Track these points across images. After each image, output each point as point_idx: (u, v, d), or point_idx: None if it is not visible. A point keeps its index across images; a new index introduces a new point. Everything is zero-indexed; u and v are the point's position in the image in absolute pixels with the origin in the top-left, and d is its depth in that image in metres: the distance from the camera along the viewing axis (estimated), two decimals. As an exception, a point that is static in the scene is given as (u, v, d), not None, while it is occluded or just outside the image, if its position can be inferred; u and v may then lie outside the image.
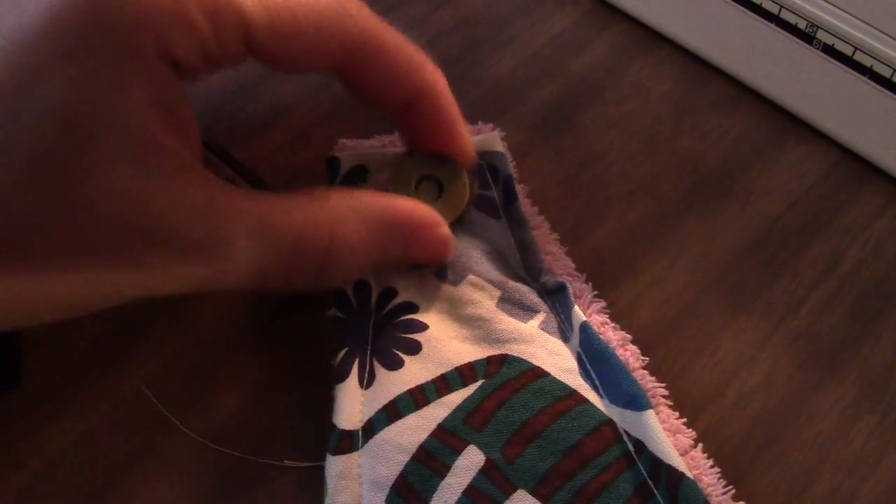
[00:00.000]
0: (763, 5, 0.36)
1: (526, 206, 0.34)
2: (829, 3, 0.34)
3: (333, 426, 0.29)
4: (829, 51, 0.35)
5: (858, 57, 0.34)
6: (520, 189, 0.35)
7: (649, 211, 0.36)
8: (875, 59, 0.34)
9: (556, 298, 0.32)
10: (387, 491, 0.27)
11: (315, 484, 0.29)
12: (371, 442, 0.28)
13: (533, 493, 0.27)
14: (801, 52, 0.36)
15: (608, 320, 0.31)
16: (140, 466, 0.30)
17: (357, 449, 0.29)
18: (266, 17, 0.26)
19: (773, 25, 0.37)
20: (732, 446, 0.30)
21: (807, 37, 0.36)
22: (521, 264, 0.33)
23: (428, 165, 0.33)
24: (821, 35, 0.35)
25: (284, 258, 0.26)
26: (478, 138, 0.36)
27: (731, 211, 0.36)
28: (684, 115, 0.39)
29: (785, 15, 0.36)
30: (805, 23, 0.35)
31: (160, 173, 0.24)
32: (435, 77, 0.30)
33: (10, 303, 0.23)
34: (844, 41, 0.35)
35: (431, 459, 0.28)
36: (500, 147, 0.36)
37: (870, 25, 0.34)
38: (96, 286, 0.24)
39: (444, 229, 0.30)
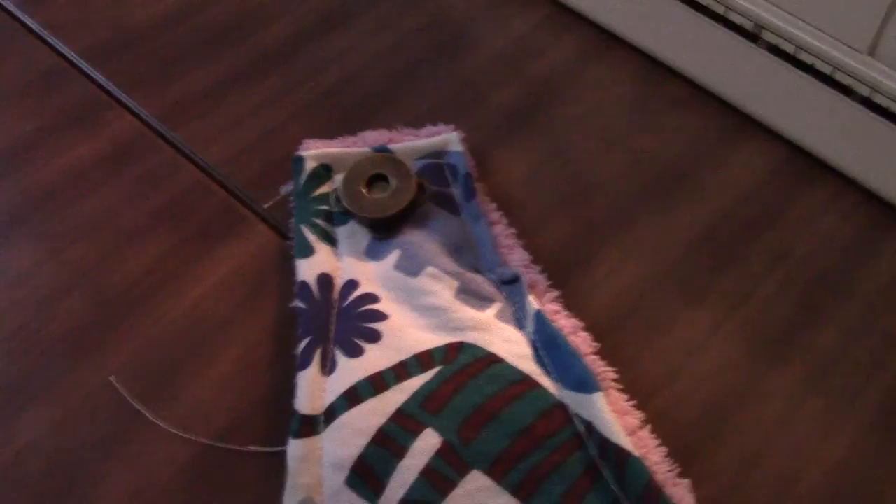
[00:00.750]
0: (710, 7, 0.38)
1: (484, 203, 0.36)
2: (772, 4, 0.36)
3: (295, 412, 0.30)
4: (774, 50, 0.37)
5: (801, 55, 0.36)
6: (479, 186, 0.36)
7: (606, 206, 0.37)
8: (816, 57, 0.35)
9: (511, 288, 0.33)
10: (346, 472, 0.28)
11: (278, 468, 0.30)
12: (332, 426, 0.29)
13: (487, 473, 0.28)
14: (747, 51, 0.38)
15: (561, 308, 0.33)
16: (109, 455, 0.31)
17: (318, 433, 0.30)
18: None
19: (720, 27, 0.38)
20: (683, 429, 0.31)
21: (752, 37, 0.37)
22: (479, 257, 0.34)
23: (380, 165, 0.35)
24: (765, 35, 0.37)
25: None
26: (438, 138, 0.37)
27: (684, 206, 0.37)
28: (640, 114, 0.41)
29: (731, 16, 0.37)
30: (751, 24, 0.37)
31: None
32: None
33: None
34: (787, 41, 0.36)
35: (390, 442, 0.29)
36: (459, 147, 0.37)
37: (811, 25, 0.35)
38: None
39: None
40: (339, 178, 0.36)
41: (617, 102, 0.41)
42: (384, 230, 0.35)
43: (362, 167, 0.35)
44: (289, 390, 0.31)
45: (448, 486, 0.28)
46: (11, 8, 0.45)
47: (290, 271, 0.35)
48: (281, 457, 0.30)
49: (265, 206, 0.37)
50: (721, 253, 0.36)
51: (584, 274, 0.35)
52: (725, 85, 0.40)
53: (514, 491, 0.28)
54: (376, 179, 0.35)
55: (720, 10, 0.37)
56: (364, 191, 0.35)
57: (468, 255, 0.34)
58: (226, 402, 0.32)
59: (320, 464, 0.29)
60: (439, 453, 0.29)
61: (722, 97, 0.41)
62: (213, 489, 0.30)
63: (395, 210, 0.34)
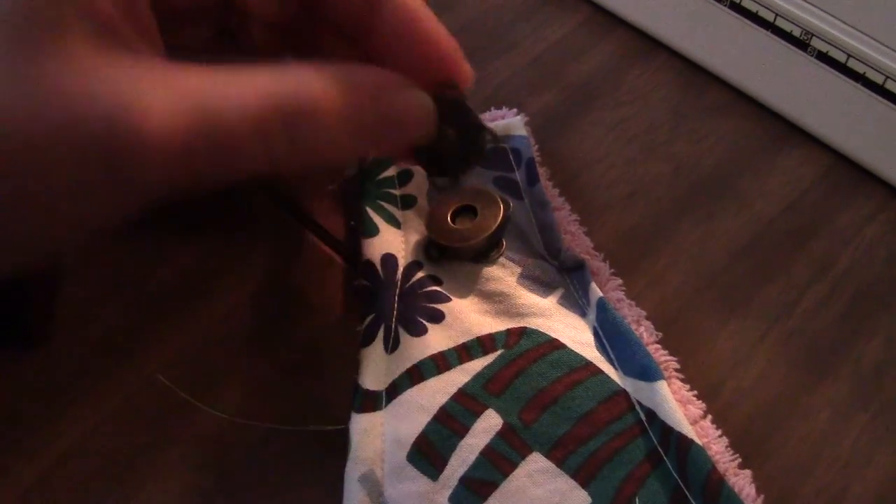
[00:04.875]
0: (759, 13, 0.37)
1: (547, 189, 0.36)
2: (823, 11, 0.35)
3: (358, 387, 0.30)
4: (824, 58, 0.36)
5: (852, 64, 0.35)
6: (542, 172, 0.36)
7: (646, 214, 0.37)
8: (868, 65, 0.35)
9: (575, 275, 0.33)
10: (408, 448, 0.29)
11: (340, 447, 0.30)
12: (394, 402, 0.30)
13: (547, 456, 0.29)
14: (795, 58, 0.37)
15: (624, 297, 0.33)
16: (158, 451, 0.31)
17: (381, 408, 0.30)
18: None
19: (768, 33, 0.37)
20: (727, 442, 0.31)
21: (801, 44, 0.37)
22: (542, 243, 0.34)
23: (467, 196, 0.34)
24: (815, 42, 0.36)
25: (240, 126, 0.24)
26: (501, 123, 0.38)
27: (726, 214, 0.37)
28: (681, 120, 0.40)
29: (780, 23, 0.37)
30: (800, 30, 0.36)
31: (111, 52, 0.23)
32: None
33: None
34: (838, 48, 0.35)
35: (451, 420, 0.29)
36: (523, 131, 0.37)
37: (863, 33, 0.34)
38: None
39: (417, 93, 0.27)
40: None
41: (657, 108, 0.41)
42: (476, 257, 0.34)
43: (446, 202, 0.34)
44: (350, 369, 0.31)
45: (509, 466, 0.28)
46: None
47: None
48: (343, 435, 0.30)
49: (330, 187, 0.37)
50: (764, 263, 0.36)
51: (626, 283, 0.35)
52: (770, 92, 0.39)
53: (574, 474, 0.28)
54: (462, 210, 0.34)
55: (769, 16, 0.37)
56: (450, 223, 0.34)
57: (532, 240, 0.34)
58: (280, 394, 0.32)
59: (382, 439, 0.29)
60: (500, 434, 0.29)
61: (766, 104, 0.40)
62: (272, 473, 0.30)
63: (482, 236, 0.33)
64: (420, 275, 0.33)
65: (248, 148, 0.24)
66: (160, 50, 0.26)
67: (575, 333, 0.32)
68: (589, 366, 0.30)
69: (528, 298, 0.32)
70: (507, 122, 0.38)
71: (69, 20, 0.23)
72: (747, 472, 0.28)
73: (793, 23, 0.36)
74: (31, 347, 0.31)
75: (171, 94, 0.23)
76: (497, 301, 0.32)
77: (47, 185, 0.22)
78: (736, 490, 0.27)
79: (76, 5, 0.23)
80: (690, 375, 0.32)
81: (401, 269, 0.33)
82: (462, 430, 0.29)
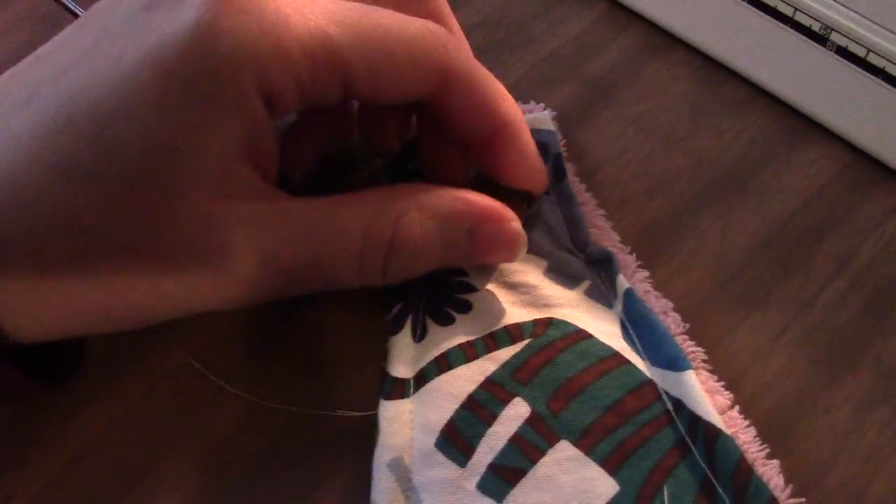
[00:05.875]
0: (778, 8, 0.37)
1: (574, 184, 0.36)
2: (843, 5, 0.35)
3: (387, 374, 0.31)
4: (843, 52, 0.36)
5: (871, 58, 0.35)
6: (568, 167, 0.37)
7: (665, 209, 0.37)
8: (888, 60, 0.35)
9: (601, 267, 0.34)
10: (436, 435, 0.29)
11: (367, 435, 0.30)
12: (422, 389, 0.30)
13: (575, 444, 0.29)
14: (814, 53, 0.37)
15: (651, 289, 0.33)
16: (180, 444, 0.31)
17: (409, 396, 0.30)
18: (363, 58, 0.27)
19: (787, 27, 0.37)
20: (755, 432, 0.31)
21: (820, 39, 0.37)
22: (569, 237, 0.35)
23: (497, 190, 0.34)
24: (834, 37, 0.36)
25: (341, 257, 0.28)
26: (529, 117, 0.38)
27: (745, 209, 0.37)
28: (700, 115, 0.40)
29: (799, 17, 0.37)
30: (819, 25, 0.36)
31: (231, 197, 0.26)
32: (515, 111, 0.31)
33: (92, 308, 0.26)
34: (858, 43, 0.35)
35: (479, 408, 0.29)
36: (550, 126, 0.38)
37: (883, 27, 0.34)
38: (168, 295, 0.26)
39: (514, 224, 0.30)
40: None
41: (676, 103, 0.41)
42: None
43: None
44: (376, 358, 0.32)
45: (537, 454, 0.29)
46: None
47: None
48: (370, 423, 0.30)
49: (355, 178, 0.37)
50: (784, 258, 0.36)
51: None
52: (789, 87, 0.39)
53: (603, 463, 0.28)
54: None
55: (788, 11, 0.37)
56: None
57: (559, 234, 0.35)
58: (310, 379, 0.32)
59: (410, 426, 0.30)
60: (528, 422, 0.29)
61: (784, 99, 0.40)
62: (300, 460, 0.31)
63: None
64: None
65: (343, 277, 0.28)
66: (272, 179, 0.29)
67: (601, 324, 0.32)
68: (616, 356, 0.31)
69: (555, 290, 0.33)
70: (535, 116, 0.38)
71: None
72: (775, 461, 0.28)
73: (812, 17, 0.36)
74: (61, 380, 0.31)
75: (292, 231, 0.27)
76: (523, 292, 0.33)
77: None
78: (764, 480, 0.28)
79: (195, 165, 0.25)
80: (711, 370, 0.32)
81: None
82: (490, 418, 0.29)
